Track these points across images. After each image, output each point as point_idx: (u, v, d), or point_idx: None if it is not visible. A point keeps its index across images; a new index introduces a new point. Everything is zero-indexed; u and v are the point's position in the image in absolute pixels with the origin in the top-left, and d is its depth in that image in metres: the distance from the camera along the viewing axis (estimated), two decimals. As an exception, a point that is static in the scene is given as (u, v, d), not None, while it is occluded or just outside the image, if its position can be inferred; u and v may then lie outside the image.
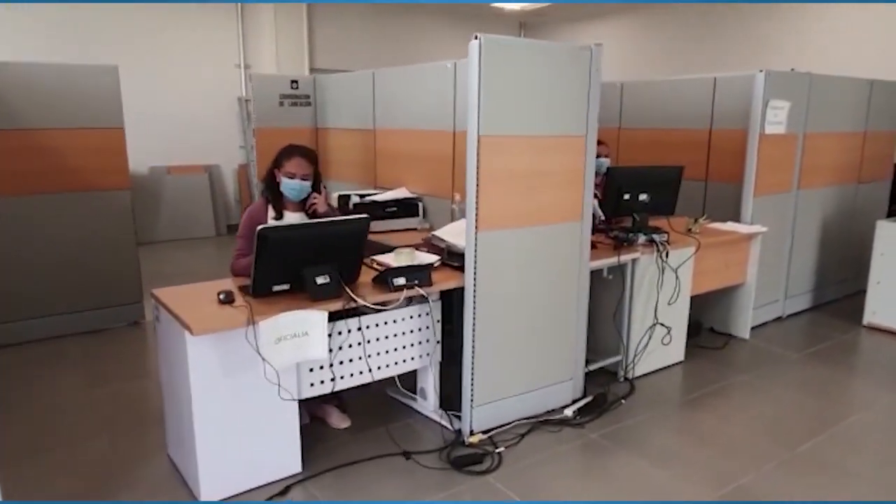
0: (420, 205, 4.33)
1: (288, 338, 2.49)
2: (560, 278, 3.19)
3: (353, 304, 2.62)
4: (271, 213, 3.08)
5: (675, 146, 5.35)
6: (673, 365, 3.93)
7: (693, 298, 4.31)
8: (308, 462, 2.77)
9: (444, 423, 3.14)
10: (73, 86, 4.24)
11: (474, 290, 2.91)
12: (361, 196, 4.24)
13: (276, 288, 2.63)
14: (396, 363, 2.96)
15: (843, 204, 5.11)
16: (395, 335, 2.92)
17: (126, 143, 4.48)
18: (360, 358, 2.80)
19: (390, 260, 3.13)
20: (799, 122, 4.54)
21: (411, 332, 2.98)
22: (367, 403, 3.36)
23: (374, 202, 4.15)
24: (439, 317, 3.06)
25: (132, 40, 7.45)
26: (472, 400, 3.02)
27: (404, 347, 2.97)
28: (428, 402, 3.22)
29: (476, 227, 2.85)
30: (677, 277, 3.72)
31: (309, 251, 2.62)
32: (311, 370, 2.71)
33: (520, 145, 2.90)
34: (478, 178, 2.81)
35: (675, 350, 3.96)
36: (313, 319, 2.53)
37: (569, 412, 3.26)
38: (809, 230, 4.89)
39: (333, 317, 2.65)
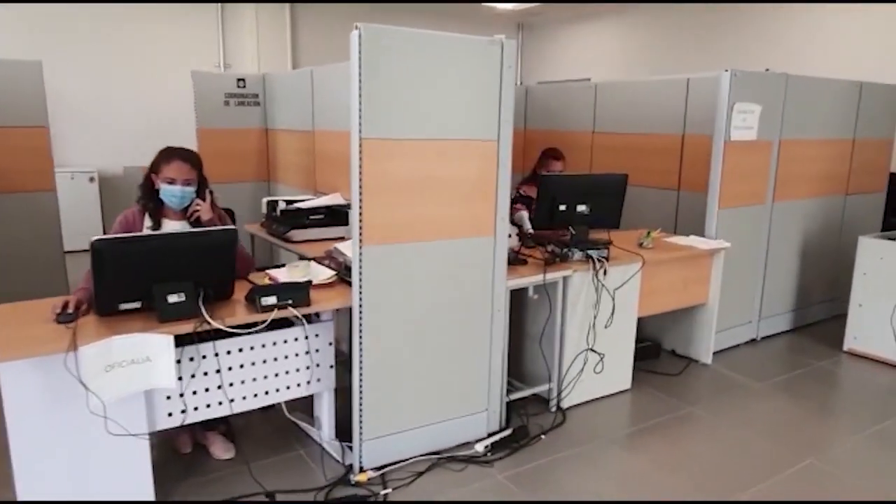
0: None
1: (124, 365, 2.20)
2: (470, 299, 2.86)
3: (205, 327, 2.32)
4: (148, 221, 2.80)
5: (649, 152, 4.99)
6: (616, 394, 3.57)
7: (653, 319, 3.97)
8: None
9: (339, 456, 2.83)
10: (-7, 82, 4.04)
11: (360, 311, 2.60)
12: (288, 202, 3.95)
13: (124, 306, 2.35)
14: (278, 390, 2.65)
15: (827, 218, 4.68)
16: (276, 359, 2.62)
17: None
18: (219, 387, 2.51)
19: (282, 274, 2.84)
20: (773, 128, 4.14)
21: (296, 355, 2.68)
22: (268, 429, 3.07)
23: (300, 209, 3.86)
24: (332, 339, 2.76)
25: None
26: (361, 432, 2.70)
27: (287, 373, 2.67)
28: (323, 432, 2.92)
29: (360, 242, 2.54)
30: (613, 298, 3.35)
31: (160, 266, 2.33)
32: (169, 398, 2.42)
33: (413, 150, 2.58)
34: (360, 187, 2.50)
35: (620, 377, 3.59)
36: (156, 343, 2.24)
37: (480, 447, 2.93)
38: (787, 246, 4.47)
39: (190, 339, 2.36)
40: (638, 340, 4.10)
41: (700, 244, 3.83)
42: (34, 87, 4.15)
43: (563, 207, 3.33)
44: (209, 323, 2.32)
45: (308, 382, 2.75)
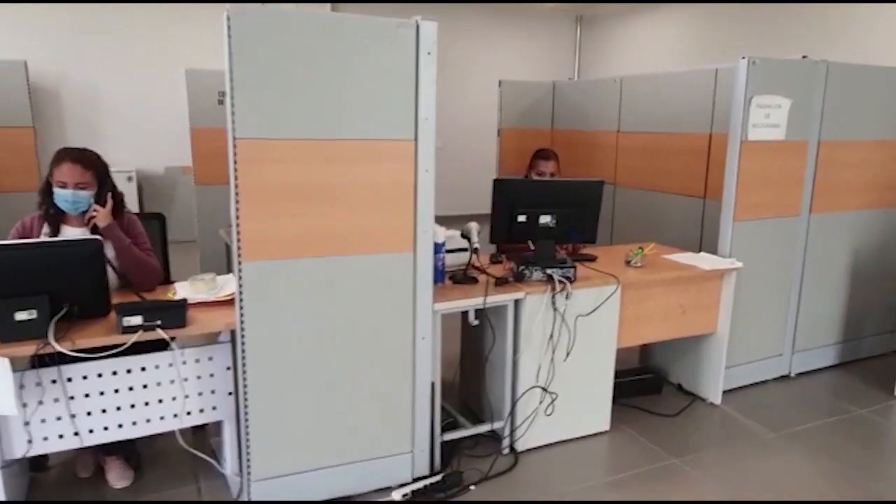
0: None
1: (-45, 388, 1.99)
2: (385, 325, 2.47)
3: (47, 350, 2.07)
4: (46, 227, 2.61)
5: (673, 154, 4.40)
6: (590, 436, 3.05)
7: (660, 347, 3.43)
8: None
9: (237, 493, 2.53)
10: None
11: (243, 335, 2.27)
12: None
13: (-20, 321, 2.14)
14: (162, 418, 2.38)
15: (884, 234, 3.89)
16: (159, 384, 2.35)
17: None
18: (89, 413, 2.26)
19: (185, 289, 2.57)
20: (809, 126, 3.46)
21: (185, 380, 2.40)
22: (184, 458, 2.81)
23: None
24: (229, 363, 2.46)
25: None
26: (248, 471, 2.38)
27: (174, 399, 2.39)
28: (226, 465, 2.62)
29: (239, 257, 2.22)
30: (572, 327, 2.84)
31: (10, 279, 2.11)
32: (28, 424, 2.20)
33: (303, 151, 2.23)
34: (237, 195, 2.17)
35: (594, 417, 3.07)
36: (-10, 366, 2.02)
37: (397, 495, 2.53)
38: (830, 266, 3.74)
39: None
40: (637, 371, 3.58)
41: (705, 263, 3.24)
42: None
43: (522, 218, 2.87)
44: (52, 346, 2.07)
45: (201, 411, 2.46)
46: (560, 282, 2.78)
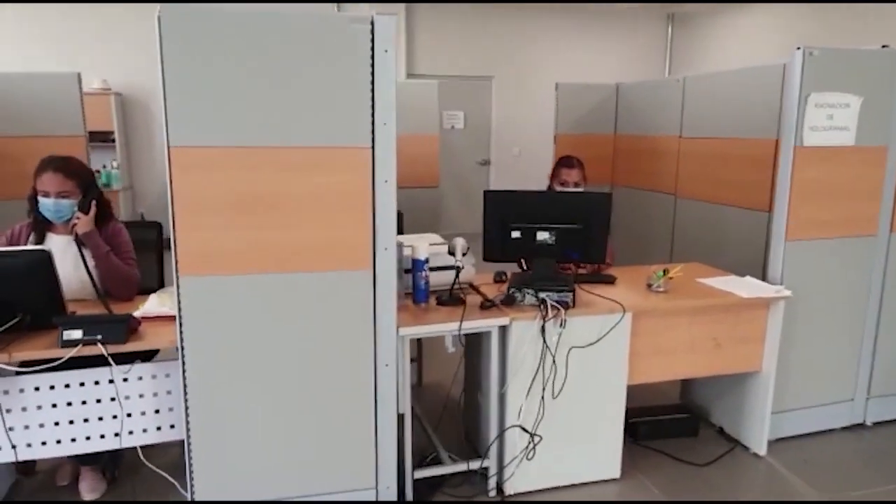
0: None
1: None
2: (342, 349, 2.26)
3: (-20, 361, 2.04)
4: (33, 235, 2.64)
5: (735, 161, 3.89)
6: (595, 483, 2.68)
7: (701, 383, 3.03)
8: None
9: (196, 516, 2.41)
10: (35, 94, 4.28)
11: (183, 354, 2.15)
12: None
13: (-69, 329, 2.16)
14: (117, 434, 2.30)
15: None
16: (112, 399, 2.27)
17: (87, 151, 4.42)
18: (27, 427, 2.22)
19: (153, 303, 2.50)
20: (890, 129, 2.88)
21: (140, 396, 2.31)
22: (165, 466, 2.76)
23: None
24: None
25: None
26: (193, 496, 2.25)
27: (130, 416, 2.31)
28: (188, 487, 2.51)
29: (177, 272, 2.10)
30: (556, 356, 2.48)
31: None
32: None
33: (244, 160, 2.07)
34: (173, 206, 2.05)
35: (603, 461, 2.69)
36: (-72, 376, 2.02)
37: (354, 536, 2.32)
38: (920, 296, 3.11)
39: None
40: (672, 409, 3.15)
41: (744, 290, 2.76)
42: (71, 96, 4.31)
43: (516, 234, 2.56)
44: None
45: (158, 429, 2.37)
46: (553, 307, 2.45)
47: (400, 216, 3.24)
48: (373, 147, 2.15)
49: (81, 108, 4.37)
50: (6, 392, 2.17)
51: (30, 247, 2.38)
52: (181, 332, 2.13)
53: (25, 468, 2.73)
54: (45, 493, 2.63)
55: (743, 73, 3.86)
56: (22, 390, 2.19)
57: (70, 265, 2.59)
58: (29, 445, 2.22)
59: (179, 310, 2.12)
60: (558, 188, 3.24)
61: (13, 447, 2.20)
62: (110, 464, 2.70)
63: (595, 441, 2.65)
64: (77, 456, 2.56)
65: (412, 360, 3.58)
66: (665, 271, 2.76)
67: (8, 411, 2.18)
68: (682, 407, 3.24)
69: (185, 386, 2.17)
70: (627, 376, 2.63)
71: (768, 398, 2.83)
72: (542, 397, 2.49)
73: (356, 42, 2.08)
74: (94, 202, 2.64)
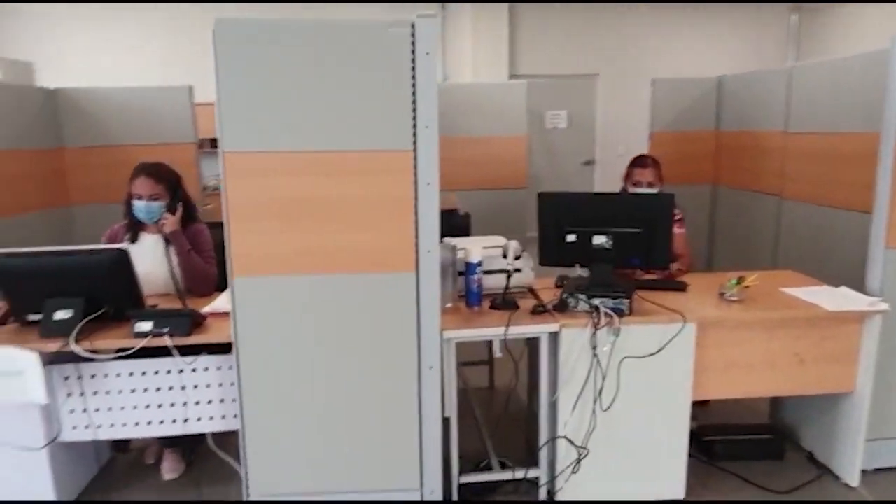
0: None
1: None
2: (386, 351, 2.29)
3: (66, 348, 2.27)
4: (129, 234, 2.90)
5: (842, 159, 3.53)
6: (655, 502, 2.52)
7: (788, 403, 2.83)
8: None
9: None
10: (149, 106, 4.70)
11: (237, 350, 2.28)
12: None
13: (32, 317, 2.43)
14: (186, 420, 2.48)
15: None
16: (183, 388, 2.45)
17: (197, 158, 4.78)
18: (110, 409, 2.44)
19: (222, 300, 2.66)
20: None
21: (207, 386, 2.47)
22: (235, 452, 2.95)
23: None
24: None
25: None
26: (247, 487, 2.38)
27: (197, 403, 2.48)
28: (251, 474, 2.66)
29: (232, 272, 2.22)
30: (604, 366, 2.35)
31: (53, 282, 2.37)
32: (73, 412, 2.45)
33: (291, 164, 2.16)
34: (227, 209, 2.18)
35: (664, 479, 2.53)
36: (24, 358, 2.27)
37: (398, 536, 2.34)
38: None
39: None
40: (755, 429, 2.92)
41: (832, 302, 2.49)
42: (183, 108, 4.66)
43: (571, 238, 2.47)
44: (69, 345, 2.26)
45: (223, 417, 2.52)
46: (607, 315, 2.34)
47: (466, 217, 3.24)
48: (415, 150, 2.16)
49: (193, 118, 4.73)
50: (93, 376, 2.40)
51: (111, 245, 2.61)
52: (235, 329, 2.25)
53: (120, 446, 3.01)
54: (134, 469, 2.88)
55: (852, 60, 3.48)
56: (106, 375, 2.41)
57: (158, 262, 2.82)
58: (111, 426, 2.45)
59: (234, 308, 2.24)
60: (631, 189, 3.09)
61: (97, 426, 2.43)
62: (188, 448, 2.91)
63: (656, 458, 2.50)
64: (161, 438, 2.80)
65: (484, 363, 3.59)
66: (740, 279, 2.55)
67: (94, 393, 2.41)
68: (769, 427, 2.98)
69: (239, 379, 2.30)
70: (692, 391, 2.46)
71: (862, 423, 2.53)
72: (594, 409, 2.38)
73: (397, 47, 2.10)
74: (180, 204, 2.86)
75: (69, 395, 2.41)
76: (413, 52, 2.10)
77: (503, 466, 2.60)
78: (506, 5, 7.79)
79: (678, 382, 2.43)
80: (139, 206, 2.81)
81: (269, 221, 2.18)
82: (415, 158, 2.17)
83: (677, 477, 2.52)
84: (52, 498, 2.48)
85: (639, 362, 2.38)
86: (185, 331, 2.32)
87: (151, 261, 2.81)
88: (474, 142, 4.90)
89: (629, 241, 2.43)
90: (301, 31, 2.09)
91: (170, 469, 2.82)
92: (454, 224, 3.12)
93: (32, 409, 2.37)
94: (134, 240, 2.89)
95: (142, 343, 2.29)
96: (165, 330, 2.31)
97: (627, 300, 2.36)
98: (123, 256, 2.39)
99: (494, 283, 2.59)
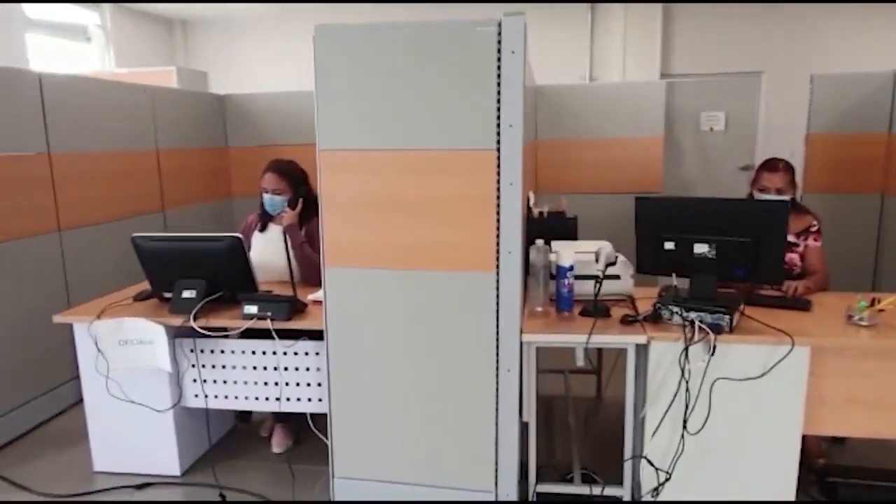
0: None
1: (134, 343, 2.62)
2: (464, 350, 2.30)
3: (185, 324, 2.55)
4: (259, 224, 3.19)
5: None
6: (754, 543, 2.28)
7: None
8: (193, 471, 2.82)
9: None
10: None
11: (328, 338, 2.41)
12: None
13: (167, 294, 2.76)
14: (279, 399, 2.68)
15: None
16: (286, 369, 2.65)
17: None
18: (223, 381, 2.70)
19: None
20: None
21: (307, 369, 2.66)
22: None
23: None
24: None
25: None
26: (332, 466, 2.51)
27: (287, 385, 2.68)
28: (340, 455, 2.80)
29: (324, 262, 2.36)
30: (687, 387, 2.14)
31: (182, 264, 2.67)
32: (195, 381, 2.75)
33: (378, 162, 2.24)
34: (322, 203, 2.32)
35: (768, 519, 2.28)
36: (153, 330, 2.59)
37: (469, 535, 2.34)
38: None
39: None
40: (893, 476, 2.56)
41: None
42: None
43: (670, 245, 2.31)
44: (189, 321, 2.54)
45: (320, 400, 2.68)
46: (702, 330, 2.16)
47: (574, 221, 3.15)
48: (498, 150, 2.15)
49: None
50: (212, 351, 2.67)
51: (228, 234, 2.87)
52: (326, 316, 2.39)
53: (243, 417, 3.31)
54: (250, 439, 3.14)
55: None
56: (222, 351, 2.68)
57: (280, 251, 3.05)
58: (212, 396, 2.71)
59: (325, 296, 2.38)
60: (757, 195, 2.81)
61: (212, 396, 2.70)
62: (296, 425, 3.12)
63: (757, 494, 2.26)
64: (275, 414, 3.03)
65: (591, 372, 3.46)
66: (875, 301, 2.23)
67: (212, 367, 2.68)
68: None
69: (328, 364, 2.43)
70: (806, 425, 2.19)
71: None
72: (682, 432, 2.21)
73: (483, 45, 2.10)
74: (300, 200, 3.08)
75: (193, 366, 2.69)
76: (499, 50, 2.09)
77: (587, 480, 2.50)
78: (659, 3, 7.40)
79: (786, 413, 2.18)
80: (266, 198, 3.07)
81: (358, 216, 2.29)
82: (498, 158, 2.15)
83: (782, 516, 2.26)
84: (174, 455, 2.79)
85: (738, 386, 2.17)
86: (284, 316, 2.50)
87: (273, 250, 3.06)
88: (607, 143, 4.73)
89: (735, 251, 2.22)
90: (391, 33, 2.16)
91: (278, 443, 3.04)
92: (560, 227, 3.03)
93: (162, 376, 2.68)
94: (263, 229, 3.17)
95: (247, 324, 2.51)
96: (268, 314, 2.51)
97: (728, 316, 2.16)
98: (237, 244, 2.62)
99: (589, 289, 2.49)
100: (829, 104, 4.35)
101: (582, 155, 4.74)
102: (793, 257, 2.79)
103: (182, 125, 4.56)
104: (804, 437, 2.72)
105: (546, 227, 3.03)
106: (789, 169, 2.79)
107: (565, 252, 2.45)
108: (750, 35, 7.41)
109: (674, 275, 2.31)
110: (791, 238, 2.80)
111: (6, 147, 3.12)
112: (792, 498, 2.23)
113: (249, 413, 3.30)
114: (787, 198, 2.75)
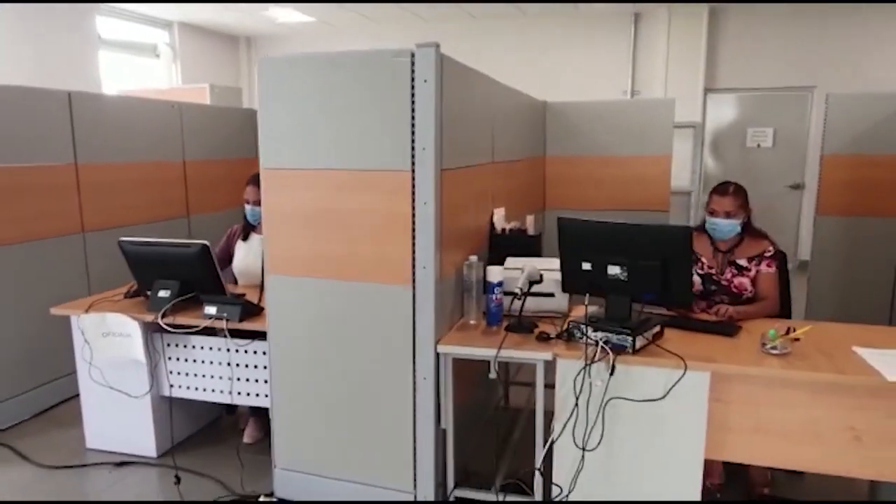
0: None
1: (115, 335, 2.95)
2: (384, 357, 2.46)
3: (154, 321, 2.84)
4: (242, 234, 3.47)
5: None
6: (661, 563, 2.29)
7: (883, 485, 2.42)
8: (172, 453, 3.09)
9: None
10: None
11: (270, 339, 2.63)
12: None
13: (149, 293, 3.07)
14: (239, 393, 2.93)
15: None
16: (238, 365, 2.90)
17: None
18: (187, 374, 2.98)
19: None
20: None
21: (255, 367, 2.89)
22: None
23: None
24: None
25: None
26: (274, 459, 2.72)
27: (238, 380, 2.92)
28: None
29: (266, 269, 2.58)
30: (576, 404, 2.17)
31: (159, 266, 2.97)
32: (171, 372, 3.04)
33: (309, 180, 2.44)
34: (265, 217, 2.54)
35: (672, 542, 2.28)
36: (130, 325, 2.90)
37: (386, 533, 2.48)
38: None
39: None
40: None
41: (888, 371, 2.02)
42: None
43: (587, 266, 2.37)
44: (157, 318, 2.82)
45: (257, 395, 2.92)
46: (603, 349, 2.21)
47: (537, 238, 3.22)
48: (412, 170, 2.29)
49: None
50: (178, 345, 2.96)
51: (197, 241, 3.13)
52: (268, 320, 2.60)
53: (229, 409, 3.59)
54: (227, 430, 3.41)
55: None
56: (185, 346, 2.96)
57: (260, 259, 3.31)
58: (179, 387, 2.99)
59: (267, 301, 2.60)
60: (707, 219, 2.80)
61: (176, 387, 2.99)
62: (267, 419, 3.36)
63: (660, 515, 2.28)
64: (250, 407, 3.28)
65: (502, 381, 3.48)
66: (790, 330, 2.20)
67: (177, 359, 2.96)
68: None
69: (270, 364, 2.64)
70: (710, 450, 2.20)
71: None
72: (584, 449, 2.26)
73: (398, 74, 2.25)
74: None
75: (169, 358, 2.99)
76: (413, 79, 2.24)
77: (511, 489, 2.58)
78: (705, 14, 7.24)
79: (687, 437, 2.19)
80: (248, 209, 3.34)
81: (294, 229, 2.49)
82: (413, 178, 2.30)
83: (682, 539, 2.27)
84: (151, 438, 3.08)
85: (640, 407, 2.20)
86: (237, 318, 2.74)
87: (255, 257, 3.31)
88: (616, 161, 4.73)
89: (644, 274, 2.26)
90: (323, 62, 2.36)
91: (249, 435, 3.29)
92: (522, 244, 3.12)
93: (139, 366, 2.98)
94: (245, 238, 3.44)
95: (206, 323, 2.77)
96: (224, 315, 2.76)
97: (632, 338, 2.20)
98: (205, 250, 2.89)
99: (528, 304, 2.57)
100: (846, 124, 4.18)
101: (591, 172, 4.75)
102: (743, 281, 2.76)
103: (209, 138, 4.94)
104: (748, 466, 2.71)
105: (509, 242, 3.13)
106: (740, 192, 2.76)
107: (494, 269, 2.56)
108: (802, 48, 7.14)
109: (587, 295, 2.37)
110: (742, 262, 2.77)
111: (39, 158, 3.55)
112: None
113: (235, 406, 3.57)
114: (736, 221, 2.74)
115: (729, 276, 2.78)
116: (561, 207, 4.76)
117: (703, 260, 2.83)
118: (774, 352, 2.19)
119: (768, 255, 2.77)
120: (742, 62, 7.33)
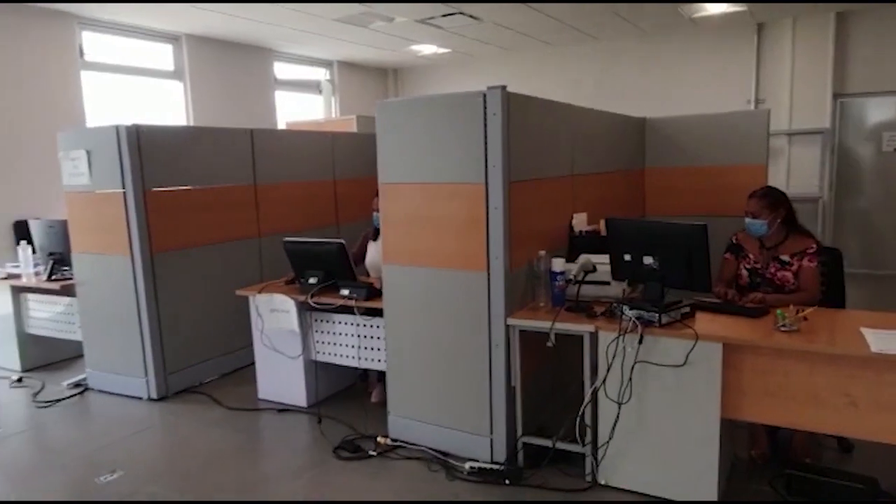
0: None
1: (279, 311, 3.94)
2: (467, 327, 3.16)
3: (305, 300, 3.77)
4: (373, 236, 4.35)
5: None
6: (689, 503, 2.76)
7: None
8: (319, 406, 4.02)
9: (406, 427, 3.67)
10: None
11: (386, 315, 3.44)
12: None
13: (303, 280, 4.03)
14: (367, 360, 3.79)
15: None
16: (369, 337, 3.76)
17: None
18: (329, 343, 3.89)
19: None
20: None
21: (379, 338, 3.72)
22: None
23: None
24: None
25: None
26: (390, 411, 3.52)
27: (364, 348, 3.77)
28: (410, 407, 3.79)
29: (383, 260, 3.41)
30: (609, 367, 2.67)
31: (309, 260, 3.92)
32: (317, 342, 3.98)
33: (412, 191, 3.22)
34: (382, 219, 3.38)
35: (697, 484, 2.74)
36: (289, 303, 3.87)
37: (467, 466, 3.17)
38: None
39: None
40: (853, 478, 2.86)
41: (887, 346, 2.36)
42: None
43: (627, 257, 2.92)
44: (307, 298, 3.76)
45: (379, 361, 3.74)
46: (635, 323, 2.75)
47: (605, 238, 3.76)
48: (486, 183, 2.99)
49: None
50: (324, 321, 3.88)
51: (335, 240, 4.00)
52: (384, 300, 3.42)
53: (362, 377, 4.47)
54: (362, 392, 4.27)
55: None
56: (328, 321, 3.87)
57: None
58: (323, 353, 3.90)
59: (384, 285, 3.41)
60: (745, 218, 3.21)
61: (321, 353, 3.91)
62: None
63: (685, 463, 2.74)
64: (379, 373, 4.11)
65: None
66: (798, 311, 2.60)
67: (321, 332, 3.89)
68: (866, 478, 2.75)
69: (386, 335, 3.45)
70: (727, 409, 2.65)
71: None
72: (619, 403, 2.80)
73: (474, 110, 2.97)
74: None
75: (316, 331, 3.93)
76: (485, 113, 2.95)
77: (563, 439, 3.14)
78: (832, 19, 7.16)
79: (705, 397, 2.66)
80: (374, 216, 4.21)
81: (402, 229, 3.29)
82: (486, 188, 3.00)
83: (709, 485, 2.71)
84: (303, 392, 4.03)
85: (665, 371, 2.71)
86: (363, 297, 3.60)
87: (379, 253, 4.17)
88: (714, 171, 5.04)
89: (672, 264, 2.77)
90: (422, 103, 3.16)
91: (375, 395, 4.14)
92: (594, 243, 3.66)
93: (295, 336, 3.94)
94: (375, 238, 4.32)
95: (340, 302, 3.66)
96: (354, 295, 3.63)
97: (658, 314, 2.72)
98: (341, 247, 3.79)
99: (587, 291, 3.15)
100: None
101: (688, 182, 5.10)
102: (786, 275, 3.12)
103: (354, 160, 5.95)
104: (792, 437, 3.08)
105: (584, 242, 3.72)
106: (766, 196, 3.14)
107: (557, 261, 3.17)
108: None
109: (626, 281, 2.91)
110: (785, 257, 3.14)
111: (230, 180, 4.71)
112: (715, 465, 2.68)
113: (367, 374, 4.45)
114: (761, 221, 3.12)
115: (773, 270, 3.16)
116: (660, 214, 5.18)
117: (751, 256, 3.23)
118: (784, 329, 2.60)
119: (811, 251, 3.11)
120: (874, 66, 7.13)
